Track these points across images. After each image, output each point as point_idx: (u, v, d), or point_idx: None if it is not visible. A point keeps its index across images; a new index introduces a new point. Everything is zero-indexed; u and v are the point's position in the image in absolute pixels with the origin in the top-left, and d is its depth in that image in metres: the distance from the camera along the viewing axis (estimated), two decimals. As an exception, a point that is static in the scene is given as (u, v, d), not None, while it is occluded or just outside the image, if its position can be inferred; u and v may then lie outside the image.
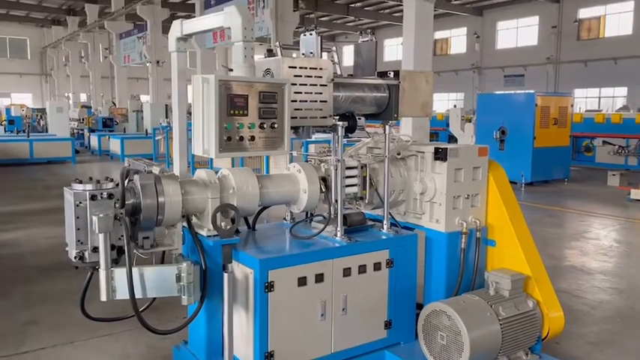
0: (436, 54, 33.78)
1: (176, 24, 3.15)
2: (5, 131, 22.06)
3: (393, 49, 37.14)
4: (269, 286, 2.83)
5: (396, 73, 3.42)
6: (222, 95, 2.63)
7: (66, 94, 34.21)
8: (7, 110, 25.27)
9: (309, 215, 3.54)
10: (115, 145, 18.21)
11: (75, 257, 2.64)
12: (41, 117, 24.48)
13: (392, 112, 3.43)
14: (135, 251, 2.78)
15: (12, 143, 16.43)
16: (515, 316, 3.18)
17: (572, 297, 5.06)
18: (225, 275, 2.84)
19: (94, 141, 20.37)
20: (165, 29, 18.44)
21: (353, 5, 30.69)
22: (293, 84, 2.95)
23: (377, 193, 3.46)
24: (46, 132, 20.88)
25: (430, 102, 3.55)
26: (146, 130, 19.23)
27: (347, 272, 3.09)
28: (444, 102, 34.83)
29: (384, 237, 3.33)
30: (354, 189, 3.36)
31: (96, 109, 26.72)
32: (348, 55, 31.00)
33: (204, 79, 2.65)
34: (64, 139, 17.73)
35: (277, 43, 3.16)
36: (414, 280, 3.41)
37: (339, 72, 3.37)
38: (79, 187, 2.61)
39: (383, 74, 3.47)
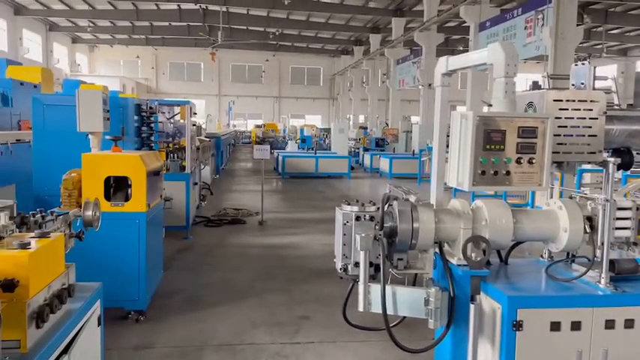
0: None
1: (442, 60, 3.35)
2: (298, 148, 25.90)
3: None
4: (517, 325, 2.75)
5: (692, 103, 2.95)
6: (479, 130, 2.71)
7: (347, 116, 38.40)
8: (301, 130, 29.61)
9: (569, 256, 3.29)
10: (384, 163, 19.60)
11: (340, 269, 3.11)
12: (326, 136, 27.88)
13: (684, 147, 2.96)
14: (390, 270, 3.07)
15: (302, 159, 19.28)
16: None
17: None
18: (472, 306, 2.88)
19: (366, 159, 22.33)
20: (439, 53, 18.97)
21: (654, 13, 26.38)
22: (557, 117, 2.83)
23: (658, 240, 3.02)
24: (329, 150, 23.73)
25: None
26: (413, 151, 20.11)
27: (610, 324, 2.79)
28: None
29: (662, 291, 2.89)
30: (627, 232, 2.99)
31: (371, 129, 29.14)
32: (645, 69, 26.71)
33: (462, 115, 2.77)
34: (343, 157, 19.90)
35: (545, 73, 3.08)
36: (702, 347, 2.85)
37: (616, 102, 3.08)
38: (347, 208, 3.06)
39: (673, 104, 3.03)
